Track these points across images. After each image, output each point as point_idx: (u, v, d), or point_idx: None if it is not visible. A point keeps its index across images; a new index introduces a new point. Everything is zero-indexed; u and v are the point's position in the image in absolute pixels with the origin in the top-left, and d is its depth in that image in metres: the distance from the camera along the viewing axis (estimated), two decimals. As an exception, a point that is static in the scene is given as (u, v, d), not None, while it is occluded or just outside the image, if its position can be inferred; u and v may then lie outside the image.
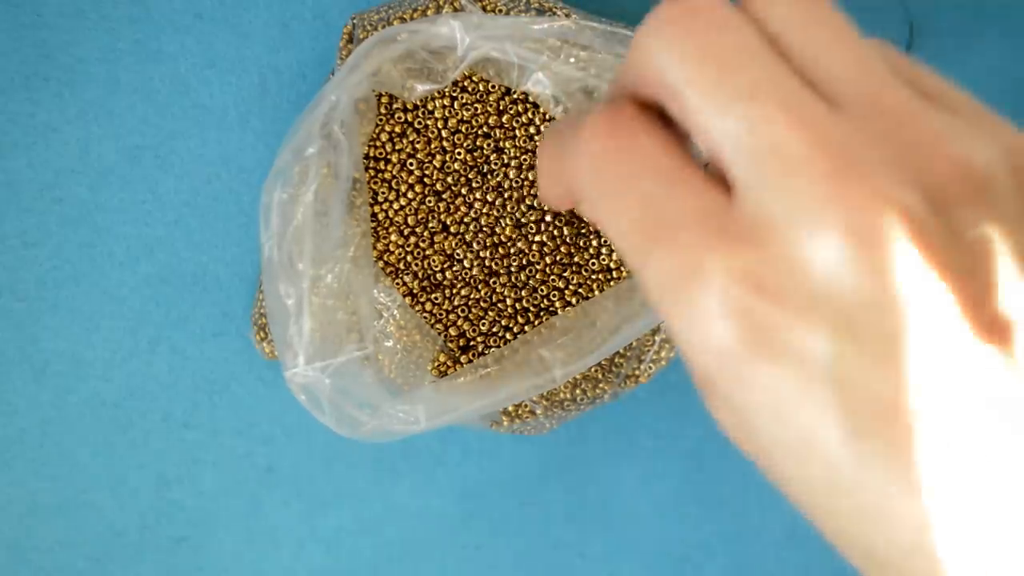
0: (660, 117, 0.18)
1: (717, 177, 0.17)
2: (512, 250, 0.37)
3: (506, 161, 0.36)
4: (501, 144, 0.36)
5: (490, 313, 0.37)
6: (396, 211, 0.36)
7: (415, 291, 0.37)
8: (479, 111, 0.36)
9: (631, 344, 0.37)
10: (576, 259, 0.37)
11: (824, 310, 0.15)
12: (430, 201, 0.36)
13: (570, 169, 0.19)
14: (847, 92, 0.17)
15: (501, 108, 0.36)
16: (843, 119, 0.16)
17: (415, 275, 0.37)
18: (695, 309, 0.16)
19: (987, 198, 0.16)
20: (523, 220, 0.37)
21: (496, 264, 0.37)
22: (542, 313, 0.37)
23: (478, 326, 0.37)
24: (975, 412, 0.15)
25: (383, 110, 0.36)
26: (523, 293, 0.37)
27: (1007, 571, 0.15)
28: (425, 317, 0.37)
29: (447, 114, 0.36)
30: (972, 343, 0.15)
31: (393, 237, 0.37)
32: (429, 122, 0.36)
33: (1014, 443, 0.15)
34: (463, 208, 0.37)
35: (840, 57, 0.17)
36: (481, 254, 0.37)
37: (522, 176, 0.37)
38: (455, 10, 0.35)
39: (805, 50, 0.17)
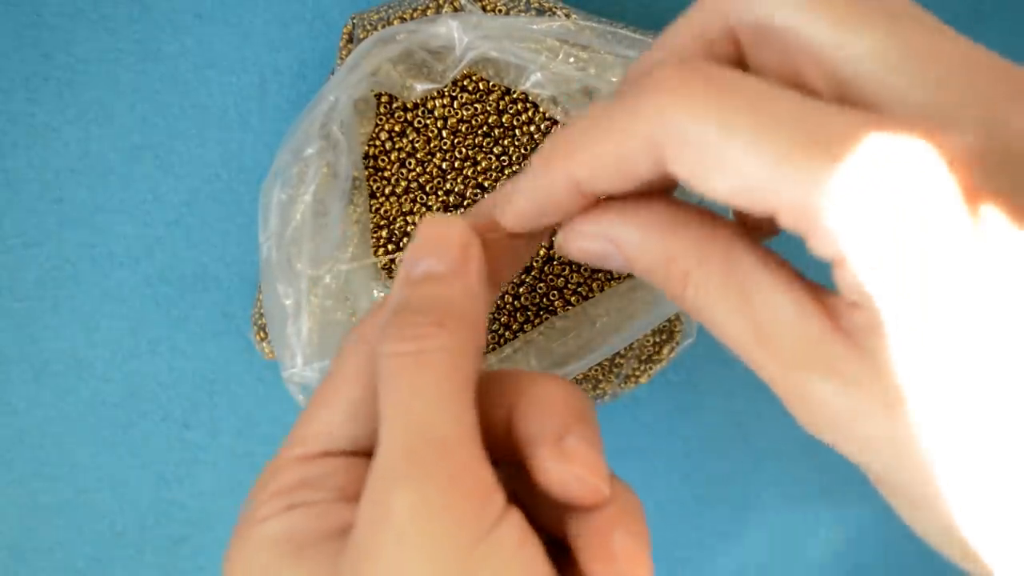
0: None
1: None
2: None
3: (506, 161, 0.36)
4: (501, 144, 0.36)
5: (490, 311, 0.37)
6: (396, 210, 0.36)
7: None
8: (479, 111, 0.36)
9: (631, 344, 0.37)
10: (576, 259, 0.37)
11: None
12: (430, 200, 0.36)
13: (644, 135, 0.17)
14: None
15: (501, 108, 0.36)
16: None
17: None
18: (905, 203, 0.15)
19: None
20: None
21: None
22: (542, 312, 0.37)
23: (478, 326, 0.37)
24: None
25: (383, 109, 0.36)
26: (521, 291, 0.37)
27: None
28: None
29: (447, 113, 0.36)
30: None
31: (393, 236, 0.37)
32: (429, 121, 0.36)
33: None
34: (462, 207, 0.37)
35: None
36: (481, 254, 0.37)
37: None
38: (455, 10, 0.35)
39: None
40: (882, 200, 0.15)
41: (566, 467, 0.19)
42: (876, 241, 0.15)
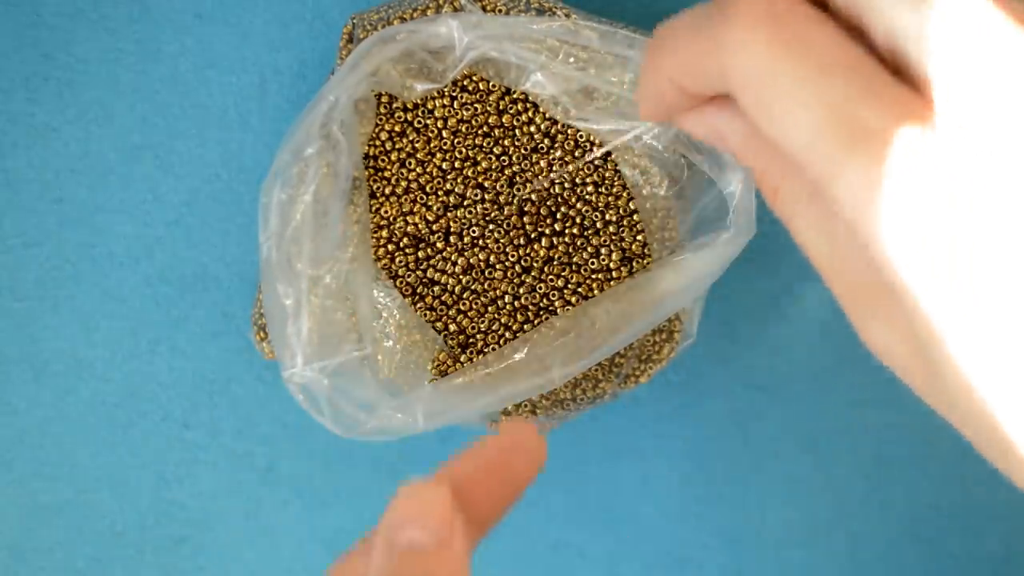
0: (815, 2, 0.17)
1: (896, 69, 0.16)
2: (511, 248, 0.37)
3: (506, 161, 0.36)
4: (501, 144, 0.36)
5: (490, 310, 0.37)
6: (396, 210, 0.36)
7: (415, 290, 0.37)
8: (479, 111, 0.36)
9: (631, 344, 0.37)
10: (575, 259, 0.37)
11: None
12: (430, 200, 0.36)
13: (714, 61, 0.17)
14: None
15: (501, 108, 0.36)
16: None
17: (415, 273, 0.37)
18: (909, 216, 0.15)
19: None
20: (523, 219, 0.37)
21: (496, 262, 0.37)
22: (541, 312, 0.37)
23: (478, 324, 0.37)
24: None
25: (383, 109, 0.36)
26: (521, 291, 0.37)
27: None
28: (425, 315, 0.37)
29: (447, 113, 0.36)
30: None
31: (393, 236, 0.37)
32: (429, 121, 0.36)
33: None
34: (463, 207, 0.37)
35: None
36: (481, 252, 0.37)
37: (522, 175, 0.37)
38: (455, 10, 0.35)
39: None
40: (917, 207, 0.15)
41: None
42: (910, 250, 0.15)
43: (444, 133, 0.36)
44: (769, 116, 0.16)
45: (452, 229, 0.37)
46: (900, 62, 0.16)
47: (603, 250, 0.37)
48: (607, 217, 0.37)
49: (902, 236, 0.15)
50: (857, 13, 0.16)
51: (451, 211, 0.37)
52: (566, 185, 0.36)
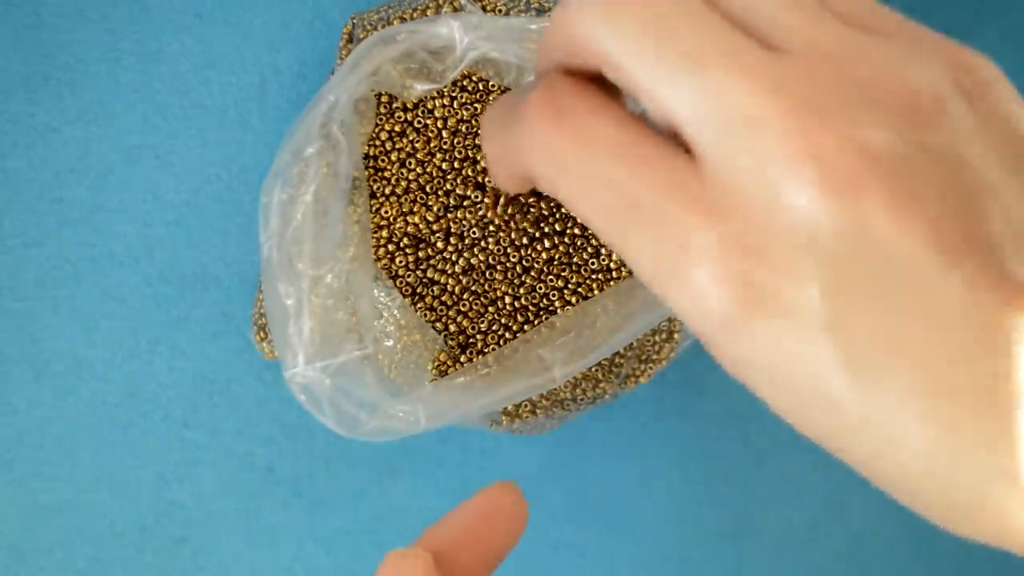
0: (596, 81, 0.18)
1: (672, 138, 0.17)
2: (511, 248, 0.37)
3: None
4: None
5: (490, 310, 0.37)
6: (396, 210, 0.36)
7: (415, 289, 0.37)
8: (479, 111, 0.36)
9: (631, 344, 0.37)
10: (575, 259, 0.37)
11: (812, 262, 0.16)
12: (430, 200, 0.37)
13: (519, 154, 0.19)
14: (789, 38, 0.17)
15: (501, 108, 0.36)
16: (792, 67, 0.16)
17: (415, 273, 0.37)
18: (688, 282, 0.16)
19: (942, 119, 0.16)
20: (523, 219, 0.37)
21: (496, 262, 0.37)
22: (541, 312, 0.37)
23: (478, 324, 0.37)
24: (969, 337, 0.16)
25: (382, 109, 0.36)
26: (521, 292, 0.37)
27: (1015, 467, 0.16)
28: (425, 315, 0.37)
29: (447, 114, 0.36)
30: (960, 268, 0.16)
31: (393, 236, 0.37)
32: (429, 121, 0.36)
33: (1009, 366, 0.16)
34: (463, 207, 0.37)
35: (773, 2, 0.17)
36: (481, 253, 0.37)
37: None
38: (455, 10, 0.35)
39: (736, 1, 0.17)
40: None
41: None
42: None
43: (444, 133, 0.36)
44: (567, 202, 0.18)
45: (452, 229, 0.37)
46: (672, 131, 0.17)
47: (603, 250, 0.37)
48: (607, 217, 0.37)
49: (694, 290, 0.16)
50: (629, 89, 0.17)
51: (451, 211, 0.37)
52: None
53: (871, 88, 0.16)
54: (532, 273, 0.37)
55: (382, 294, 0.37)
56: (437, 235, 0.37)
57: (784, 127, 0.16)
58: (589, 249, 0.37)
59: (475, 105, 0.36)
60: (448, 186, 0.36)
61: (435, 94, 0.36)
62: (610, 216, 0.17)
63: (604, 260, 0.37)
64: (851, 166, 0.15)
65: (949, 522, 0.17)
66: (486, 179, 0.37)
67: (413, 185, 0.36)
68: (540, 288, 0.37)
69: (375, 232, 0.37)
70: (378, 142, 0.36)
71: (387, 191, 0.36)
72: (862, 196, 0.15)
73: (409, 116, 0.36)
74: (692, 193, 0.16)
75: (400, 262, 0.37)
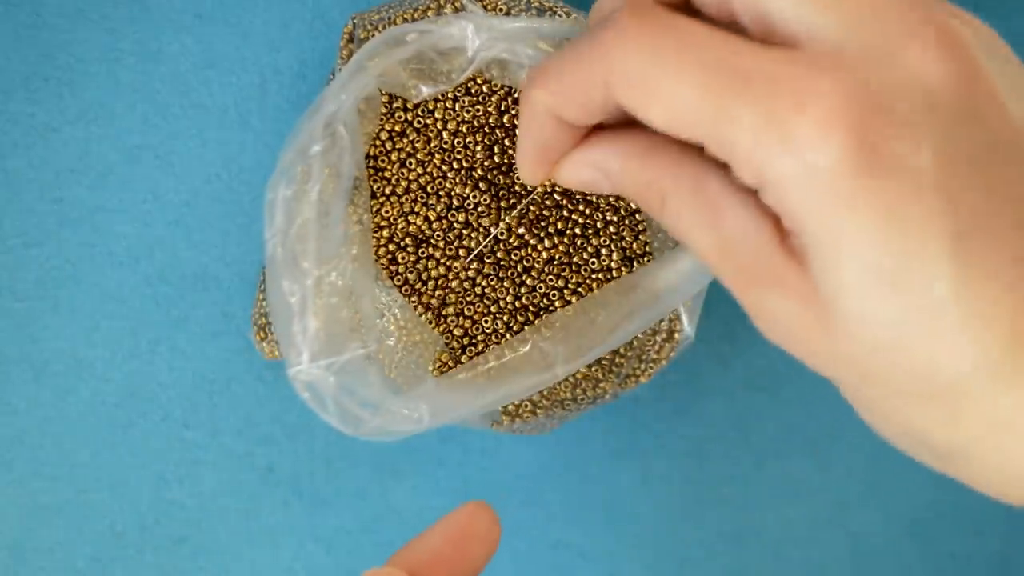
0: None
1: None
2: (511, 248, 0.37)
3: (507, 162, 0.36)
4: (502, 144, 0.36)
5: (491, 309, 0.37)
6: (396, 210, 0.36)
7: (416, 289, 0.37)
8: (480, 111, 0.36)
9: (631, 343, 0.37)
10: (575, 259, 0.37)
11: (930, 122, 0.17)
12: (430, 200, 0.37)
13: (595, 73, 0.19)
14: None
15: (503, 108, 0.36)
16: None
17: (416, 273, 0.37)
18: (798, 140, 0.17)
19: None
20: (522, 218, 0.37)
21: (496, 262, 0.37)
22: (541, 312, 0.37)
23: (479, 324, 0.37)
24: None
25: (384, 109, 0.36)
26: (522, 291, 0.37)
27: None
28: (425, 315, 0.37)
29: (447, 115, 0.36)
30: None
31: (394, 236, 0.37)
32: (429, 121, 0.36)
33: None
34: (464, 208, 0.37)
35: None
36: (481, 252, 0.37)
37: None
38: (456, 10, 0.35)
39: None
40: (783, 139, 0.17)
41: None
42: (781, 176, 0.17)
43: (444, 133, 0.36)
44: (657, 98, 0.18)
45: (453, 230, 0.37)
46: (767, 31, 0.18)
47: (603, 250, 0.37)
48: (608, 217, 0.37)
49: (806, 167, 0.17)
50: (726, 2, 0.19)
51: (452, 212, 0.37)
52: (567, 185, 0.36)
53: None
54: (532, 273, 0.37)
55: (383, 294, 0.37)
56: (438, 235, 0.37)
57: (902, 5, 0.17)
58: (589, 249, 0.37)
59: (476, 106, 0.36)
60: (449, 186, 0.36)
61: (438, 96, 0.36)
62: (708, 96, 0.17)
63: (604, 260, 0.37)
64: (961, 37, 0.17)
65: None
66: (486, 179, 0.37)
67: (413, 185, 0.36)
68: (540, 288, 0.37)
69: (376, 232, 0.37)
70: (378, 142, 0.36)
71: (387, 191, 0.36)
72: (975, 63, 0.17)
73: (409, 116, 0.36)
74: (805, 59, 0.17)
75: (401, 262, 0.37)
